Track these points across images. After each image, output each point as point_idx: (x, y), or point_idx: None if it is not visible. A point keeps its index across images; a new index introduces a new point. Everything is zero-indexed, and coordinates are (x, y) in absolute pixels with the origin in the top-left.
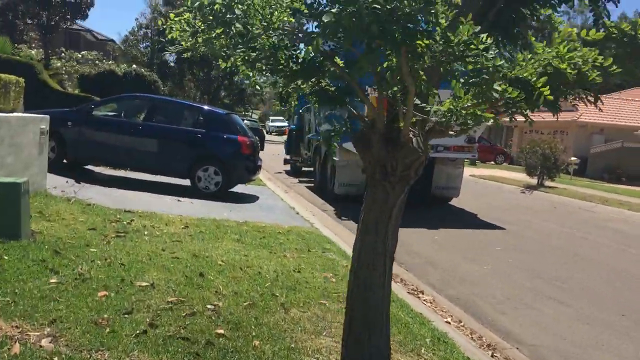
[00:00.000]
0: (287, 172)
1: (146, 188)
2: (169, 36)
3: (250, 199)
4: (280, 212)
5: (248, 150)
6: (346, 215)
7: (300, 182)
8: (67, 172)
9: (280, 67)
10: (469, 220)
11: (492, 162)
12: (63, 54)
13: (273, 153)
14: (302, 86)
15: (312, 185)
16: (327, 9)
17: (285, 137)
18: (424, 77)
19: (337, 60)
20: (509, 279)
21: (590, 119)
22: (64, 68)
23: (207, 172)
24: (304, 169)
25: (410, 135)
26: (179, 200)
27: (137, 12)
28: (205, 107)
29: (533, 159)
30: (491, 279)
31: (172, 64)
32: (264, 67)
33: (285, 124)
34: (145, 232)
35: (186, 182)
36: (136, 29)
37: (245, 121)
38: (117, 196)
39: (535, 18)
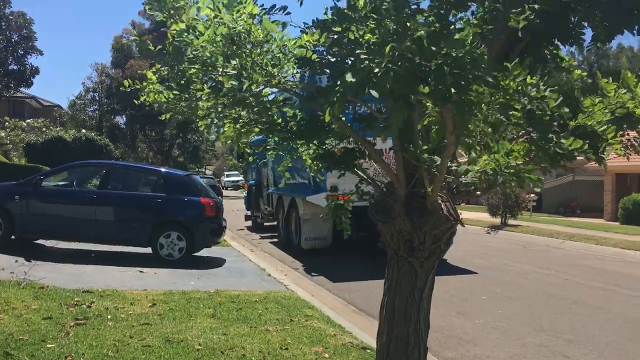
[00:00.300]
0: (249, 229)
1: (104, 260)
2: (143, 99)
3: (217, 262)
4: (251, 276)
5: (212, 212)
6: (316, 271)
7: (262, 238)
8: (17, 250)
9: (278, 127)
10: (441, 267)
11: None
12: (7, 123)
13: (232, 209)
14: (300, 148)
15: (277, 240)
16: (344, 60)
17: (244, 193)
18: (479, 132)
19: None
20: (506, 333)
21: None
22: (8, 138)
23: (169, 239)
24: (266, 224)
25: (439, 201)
26: (141, 272)
27: (84, 76)
28: (163, 170)
29: (494, 198)
30: (489, 335)
31: (122, 126)
32: (259, 127)
33: (241, 178)
34: (109, 316)
35: (147, 250)
36: (83, 93)
37: (202, 178)
38: (73, 273)
39: (553, 58)
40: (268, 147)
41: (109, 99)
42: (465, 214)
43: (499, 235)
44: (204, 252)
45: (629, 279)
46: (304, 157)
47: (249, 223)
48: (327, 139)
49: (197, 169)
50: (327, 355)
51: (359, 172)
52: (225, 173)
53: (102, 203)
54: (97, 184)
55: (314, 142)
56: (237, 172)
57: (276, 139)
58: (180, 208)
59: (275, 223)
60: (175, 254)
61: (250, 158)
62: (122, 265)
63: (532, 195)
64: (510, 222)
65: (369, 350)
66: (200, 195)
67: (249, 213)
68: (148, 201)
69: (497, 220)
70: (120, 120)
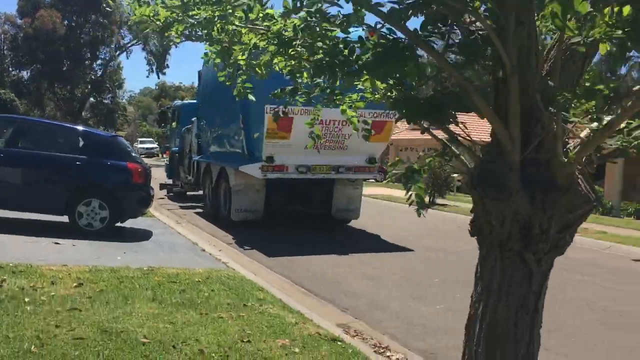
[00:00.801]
0: (170, 198)
1: (12, 229)
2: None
3: (143, 235)
4: (184, 251)
5: (140, 178)
6: (248, 244)
7: (183, 208)
8: None
9: (341, 58)
10: (378, 243)
11: (372, 180)
12: None
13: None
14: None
15: (203, 211)
16: None
17: (165, 160)
18: None
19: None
20: None
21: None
22: None
23: (90, 207)
24: (188, 193)
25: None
26: (57, 244)
27: None
28: (86, 129)
29: (424, 176)
30: (456, 324)
31: (26, 82)
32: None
33: (155, 145)
34: (26, 299)
35: (63, 219)
36: None
37: None
38: None
39: None
40: (299, 91)
41: (13, 51)
42: (391, 192)
43: (429, 214)
44: (127, 224)
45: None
46: (343, 110)
47: (167, 192)
48: (408, 76)
49: None
50: (297, 349)
51: (450, 128)
52: (139, 139)
53: (9, 164)
54: (4, 142)
55: (390, 80)
56: (151, 139)
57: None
58: (104, 172)
59: (198, 192)
60: (96, 224)
61: (174, 123)
62: (35, 234)
63: (456, 175)
64: (438, 201)
65: (339, 343)
66: (128, 160)
67: (166, 182)
68: (66, 163)
69: (426, 199)
70: (26, 74)
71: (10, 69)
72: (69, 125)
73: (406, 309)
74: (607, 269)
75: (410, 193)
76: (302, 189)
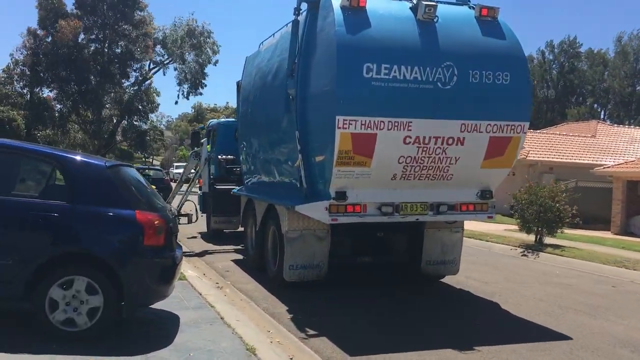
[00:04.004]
0: (203, 236)
1: None
2: None
3: (162, 329)
4: None
5: (157, 237)
6: (315, 327)
7: (222, 251)
8: None
9: None
10: (510, 324)
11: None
12: None
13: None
14: None
15: (244, 257)
16: None
17: (199, 190)
18: None
19: None
20: None
21: (539, 156)
22: None
23: (70, 290)
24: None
25: None
26: None
27: (12, 46)
28: (70, 156)
29: (529, 211)
30: None
31: (53, 103)
32: None
33: (192, 171)
34: None
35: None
36: (12, 66)
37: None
38: None
39: None
40: None
41: (35, 66)
42: (478, 226)
43: (542, 259)
44: None
45: None
46: None
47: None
48: None
49: (144, 159)
50: None
51: None
52: (175, 164)
53: None
54: None
55: None
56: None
57: None
58: (95, 230)
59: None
60: (82, 321)
61: (208, 146)
62: None
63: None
64: (546, 240)
65: None
66: (137, 207)
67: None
68: (29, 215)
69: (530, 238)
70: (51, 94)
71: (24, 87)
72: (42, 149)
73: None
74: None
75: None
76: (379, 234)
